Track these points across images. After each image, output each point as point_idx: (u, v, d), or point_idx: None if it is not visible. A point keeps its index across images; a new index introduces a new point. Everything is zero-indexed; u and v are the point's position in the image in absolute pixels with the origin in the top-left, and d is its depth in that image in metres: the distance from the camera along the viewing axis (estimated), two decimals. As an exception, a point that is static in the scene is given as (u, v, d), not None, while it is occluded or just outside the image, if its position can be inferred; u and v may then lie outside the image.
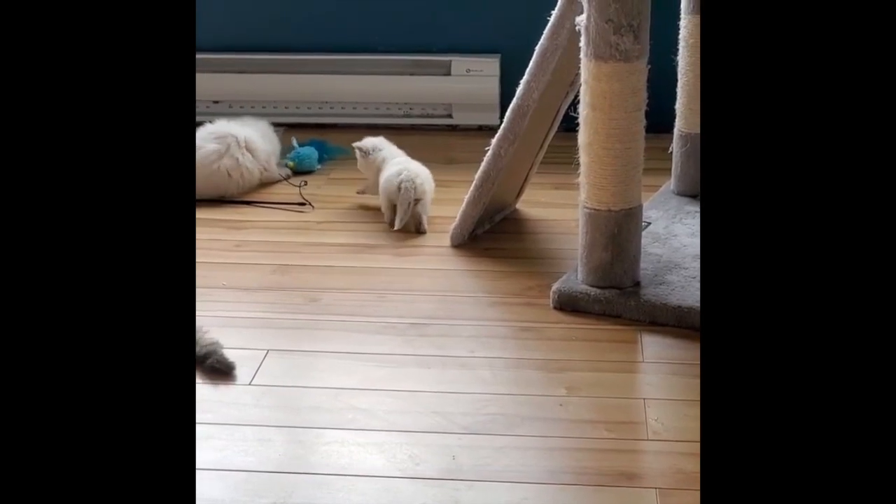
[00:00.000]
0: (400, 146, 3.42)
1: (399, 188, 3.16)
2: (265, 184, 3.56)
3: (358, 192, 3.42)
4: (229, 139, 3.48)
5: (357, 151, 3.36)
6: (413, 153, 3.36)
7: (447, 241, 3.12)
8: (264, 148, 3.58)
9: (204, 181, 3.33)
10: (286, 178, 3.59)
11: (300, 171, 3.65)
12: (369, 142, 3.38)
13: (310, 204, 3.39)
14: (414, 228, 3.19)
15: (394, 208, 3.20)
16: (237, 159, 3.47)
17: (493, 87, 3.93)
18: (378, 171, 3.30)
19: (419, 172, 3.23)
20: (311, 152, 3.69)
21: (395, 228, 3.17)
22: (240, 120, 3.63)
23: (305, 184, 3.50)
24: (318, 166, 3.70)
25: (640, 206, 2.73)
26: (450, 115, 4.03)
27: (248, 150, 3.51)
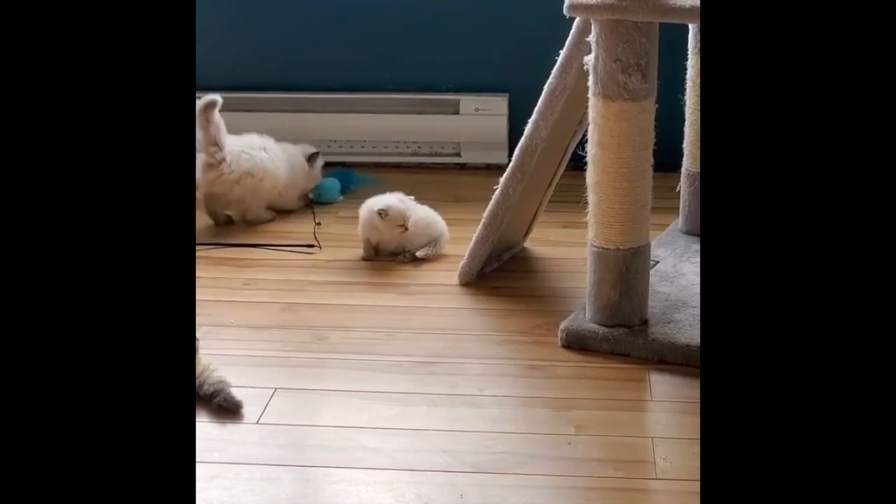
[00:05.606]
0: (408, 184, 3.42)
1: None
2: (281, 210, 3.64)
3: (401, 260, 3.29)
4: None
5: (380, 215, 3.24)
6: (421, 191, 3.37)
7: (455, 280, 3.12)
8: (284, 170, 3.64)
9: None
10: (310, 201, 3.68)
11: (320, 201, 3.66)
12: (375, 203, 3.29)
13: (318, 245, 3.38)
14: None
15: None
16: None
17: (501, 125, 3.94)
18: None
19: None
20: (332, 184, 3.71)
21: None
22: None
23: (320, 224, 3.51)
24: (340, 198, 3.72)
25: (649, 245, 2.73)
26: (458, 154, 4.04)
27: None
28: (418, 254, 3.25)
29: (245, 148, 3.54)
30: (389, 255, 3.29)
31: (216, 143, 3.45)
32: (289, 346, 2.78)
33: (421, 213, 3.30)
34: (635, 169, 2.62)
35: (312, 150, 3.72)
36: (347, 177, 3.81)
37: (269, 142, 3.62)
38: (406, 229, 3.23)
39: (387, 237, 3.26)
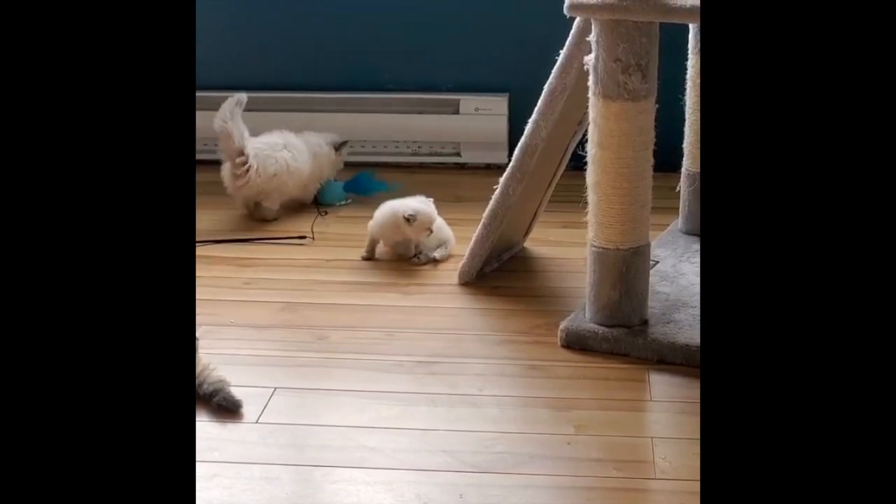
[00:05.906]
0: (408, 184, 3.43)
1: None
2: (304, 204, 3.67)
3: (416, 262, 3.27)
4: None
5: (407, 220, 3.21)
6: (421, 191, 3.37)
7: (455, 280, 3.12)
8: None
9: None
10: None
11: (322, 203, 3.68)
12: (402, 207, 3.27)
13: (312, 236, 3.39)
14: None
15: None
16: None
17: (501, 125, 3.94)
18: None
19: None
20: (335, 186, 3.71)
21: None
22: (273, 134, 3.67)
23: (326, 213, 3.53)
24: (343, 202, 3.71)
25: (648, 245, 2.73)
26: (458, 154, 4.04)
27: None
28: (435, 254, 3.25)
29: (267, 149, 3.54)
30: (398, 257, 3.27)
31: (242, 153, 3.47)
32: (289, 346, 2.78)
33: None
34: (635, 169, 2.62)
35: (339, 139, 3.74)
36: (367, 181, 3.79)
37: (289, 137, 3.62)
38: (431, 232, 3.23)
39: (413, 240, 3.26)
